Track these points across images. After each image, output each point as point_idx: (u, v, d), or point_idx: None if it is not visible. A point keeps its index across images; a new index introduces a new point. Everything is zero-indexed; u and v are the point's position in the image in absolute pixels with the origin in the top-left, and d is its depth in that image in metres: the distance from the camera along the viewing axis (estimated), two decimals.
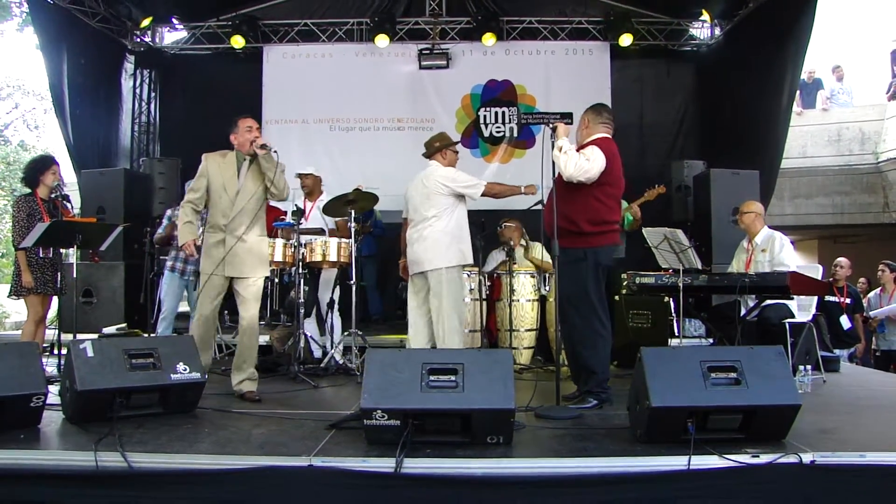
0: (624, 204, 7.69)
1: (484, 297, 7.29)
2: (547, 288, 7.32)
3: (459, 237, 6.07)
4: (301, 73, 11.31)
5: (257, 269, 5.48)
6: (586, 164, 4.96)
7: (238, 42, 10.93)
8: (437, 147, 6.22)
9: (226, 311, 7.82)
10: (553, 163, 5.06)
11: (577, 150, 5.12)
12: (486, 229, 7.15)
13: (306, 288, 6.68)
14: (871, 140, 13.71)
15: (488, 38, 10.79)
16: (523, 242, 7.90)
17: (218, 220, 5.42)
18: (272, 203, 8.69)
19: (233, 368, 5.52)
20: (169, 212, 7.71)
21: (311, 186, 7.55)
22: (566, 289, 5.09)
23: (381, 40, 10.78)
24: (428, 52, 11.10)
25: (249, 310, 5.41)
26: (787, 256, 6.49)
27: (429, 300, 6.06)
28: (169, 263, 7.44)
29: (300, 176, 7.64)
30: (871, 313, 9.48)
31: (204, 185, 5.47)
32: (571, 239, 5.05)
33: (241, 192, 5.41)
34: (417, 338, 6.17)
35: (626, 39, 10.66)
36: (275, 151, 5.43)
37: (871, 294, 9.87)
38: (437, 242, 5.98)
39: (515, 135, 11.20)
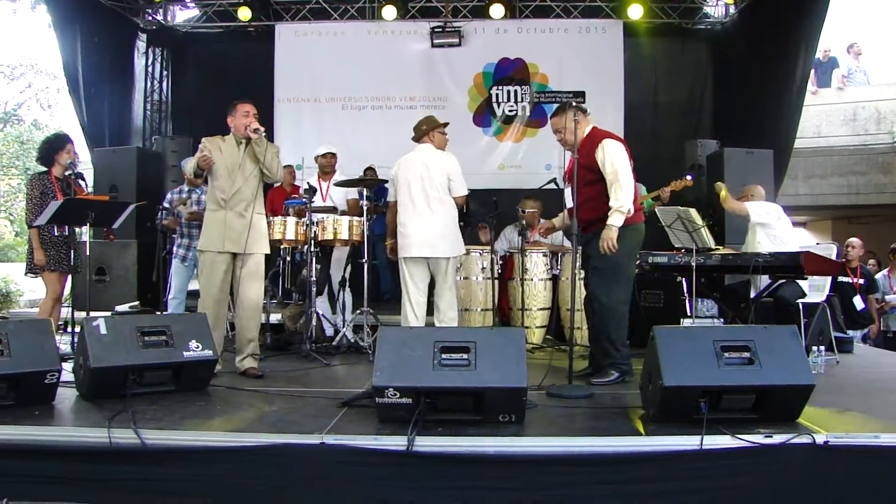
0: (643, 191, 7.68)
1: (496, 276, 7.27)
2: (559, 267, 7.31)
3: (458, 228, 6.22)
4: (313, 51, 11.26)
5: (259, 245, 5.54)
6: (626, 192, 5.04)
7: (245, 14, 10.86)
8: (424, 130, 6.22)
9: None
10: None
11: (582, 143, 5.16)
12: (498, 208, 7.12)
13: (318, 266, 6.68)
14: (887, 119, 13.58)
15: (496, 9, 10.68)
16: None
17: (217, 197, 5.50)
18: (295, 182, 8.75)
19: (236, 346, 5.58)
20: (168, 195, 7.73)
21: (333, 165, 7.60)
22: (601, 266, 5.17)
23: (389, 11, 10.72)
24: (440, 29, 11.01)
25: (252, 287, 5.48)
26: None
27: (426, 285, 6.19)
28: (173, 249, 7.50)
29: (324, 156, 7.64)
30: (889, 297, 9.44)
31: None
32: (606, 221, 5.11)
33: (240, 171, 5.48)
34: (418, 322, 6.20)
35: (636, 9, 10.53)
36: (265, 134, 5.50)
37: (879, 275, 9.81)
38: (452, 230, 6.09)
39: (528, 113, 11.14)
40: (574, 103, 5.43)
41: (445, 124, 6.31)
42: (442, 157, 6.13)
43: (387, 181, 7.55)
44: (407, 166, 6.15)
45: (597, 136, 5.25)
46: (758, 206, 6.69)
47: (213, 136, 5.62)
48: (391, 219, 6.32)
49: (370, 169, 9.28)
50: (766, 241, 6.60)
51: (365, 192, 6.71)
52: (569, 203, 5.37)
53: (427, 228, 6.02)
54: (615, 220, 5.01)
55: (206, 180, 5.66)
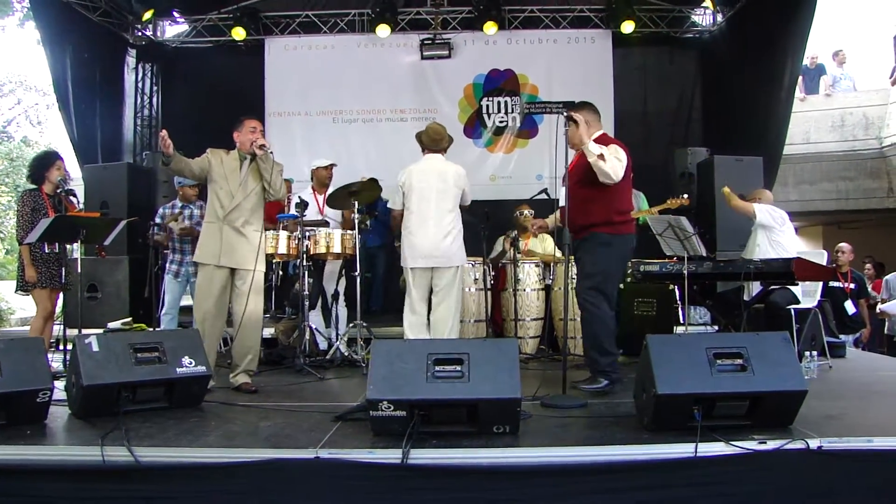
0: (643, 201, 7.71)
1: (489, 286, 7.27)
2: (552, 277, 7.31)
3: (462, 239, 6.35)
4: (303, 65, 11.28)
5: (256, 261, 5.50)
6: (619, 166, 5.06)
7: (239, 34, 10.89)
8: (445, 146, 6.35)
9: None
10: (558, 152, 5.08)
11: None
12: (489, 219, 7.13)
13: (311, 280, 6.68)
14: (874, 125, 13.66)
15: (489, 27, 10.71)
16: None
17: (216, 211, 5.47)
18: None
19: (232, 361, 5.56)
20: (160, 210, 7.72)
21: (331, 177, 7.61)
22: (592, 272, 5.19)
23: (383, 30, 10.70)
24: (430, 42, 11.03)
25: (251, 303, 5.42)
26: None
27: (432, 293, 6.27)
28: (165, 265, 7.49)
29: (326, 168, 7.65)
30: (881, 308, 9.43)
31: (203, 162, 5.53)
32: (600, 227, 5.16)
33: (241, 186, 5.47)
34: (422, 330, 6.27)
35: (627, 26, 10.55)
36: (271, 152, 5.51)
37: (891, 276, 9.79)
38: (460, 240, 6.24)
39: (519, 124, 11.16)
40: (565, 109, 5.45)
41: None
42: (456, 169, 6.28)
43: (382, 194, 7.56)
44: (421, 176, 6.24)
45: (606, 140, 5.30)
46: (764, 208, 6.71)
47: (218, 149, 5.62)
48: (397, 225, 6.50)
49: (372, 180, 9.22)
50: (765, 245, 6.60)
51: (356, 205, 6.71)
52: (562, 202, 5.40)
53: (436, 240, 6.12)
54: (593, 146, 5.03)
55: (202, 195, 5.65)
